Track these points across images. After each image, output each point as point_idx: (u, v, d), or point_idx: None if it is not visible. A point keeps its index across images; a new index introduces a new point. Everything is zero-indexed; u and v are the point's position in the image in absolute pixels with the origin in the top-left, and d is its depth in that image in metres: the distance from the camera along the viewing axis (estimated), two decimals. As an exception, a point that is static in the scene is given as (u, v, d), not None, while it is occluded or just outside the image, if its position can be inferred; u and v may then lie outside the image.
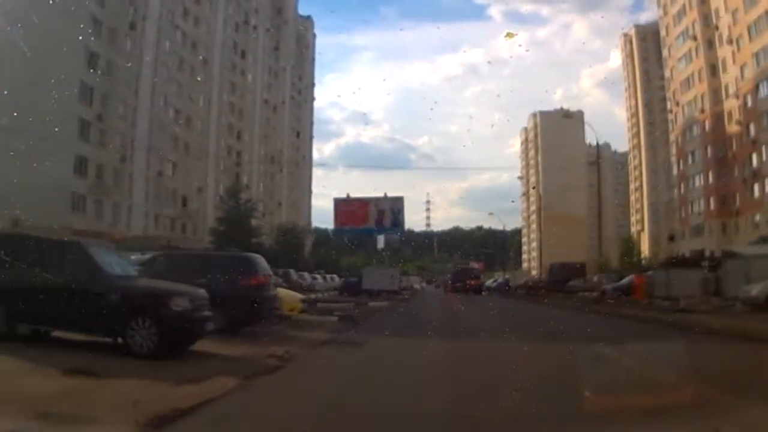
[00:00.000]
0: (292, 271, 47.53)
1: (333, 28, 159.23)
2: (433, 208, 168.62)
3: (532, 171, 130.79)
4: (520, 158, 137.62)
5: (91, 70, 39.49)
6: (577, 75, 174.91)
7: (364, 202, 46.84)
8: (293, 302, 16.78)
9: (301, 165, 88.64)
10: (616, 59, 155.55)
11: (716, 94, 56.25)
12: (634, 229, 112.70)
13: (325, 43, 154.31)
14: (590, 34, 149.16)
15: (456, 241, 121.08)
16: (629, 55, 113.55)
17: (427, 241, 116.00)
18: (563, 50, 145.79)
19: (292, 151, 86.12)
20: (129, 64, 42.80)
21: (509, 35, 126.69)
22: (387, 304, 29.08)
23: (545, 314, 21.65)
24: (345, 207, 47.71)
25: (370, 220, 45.69)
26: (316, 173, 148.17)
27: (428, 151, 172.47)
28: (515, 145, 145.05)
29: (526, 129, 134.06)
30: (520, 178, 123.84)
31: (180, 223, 53.15)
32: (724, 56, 54.74)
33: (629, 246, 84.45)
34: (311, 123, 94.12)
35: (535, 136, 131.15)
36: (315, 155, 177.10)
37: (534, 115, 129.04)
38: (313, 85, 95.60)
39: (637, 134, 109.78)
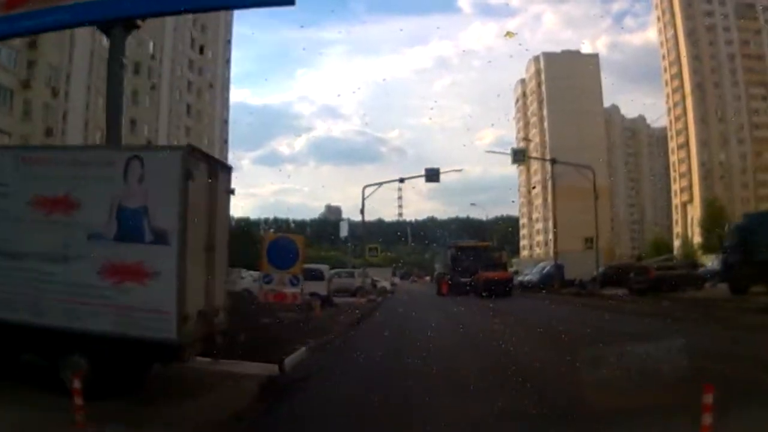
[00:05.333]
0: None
1: (301, 21, 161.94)
2: (405, 202, 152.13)
3: (534, 131, 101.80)
4: (515, 119, 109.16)
5: None
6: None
7: None
8: None
9: (207, 96, 56.54)
10: (587, 49, 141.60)
11: None
12: (677, 200, 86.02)
13: (294, 37, 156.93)
14: (561, 25, 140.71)
15: (431, 230, 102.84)
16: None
17: (397, 231, 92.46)
18: (533, 41, 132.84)
19: (191, 73, 54.00)
20: None
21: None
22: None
23: None
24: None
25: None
26: (286, 169, 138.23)
27: (399, 144, 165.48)
28: (485, 138, 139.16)
29: (524, 81, 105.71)
30: (525, 139, 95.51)
31: None
32: None
33: (717, 214, 56.02)
34: (228, 42, 62.10)
35: (538, 85, 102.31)
36: (285, 150, 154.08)
37: (536, 58, 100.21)
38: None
39: (679, 75, 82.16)
